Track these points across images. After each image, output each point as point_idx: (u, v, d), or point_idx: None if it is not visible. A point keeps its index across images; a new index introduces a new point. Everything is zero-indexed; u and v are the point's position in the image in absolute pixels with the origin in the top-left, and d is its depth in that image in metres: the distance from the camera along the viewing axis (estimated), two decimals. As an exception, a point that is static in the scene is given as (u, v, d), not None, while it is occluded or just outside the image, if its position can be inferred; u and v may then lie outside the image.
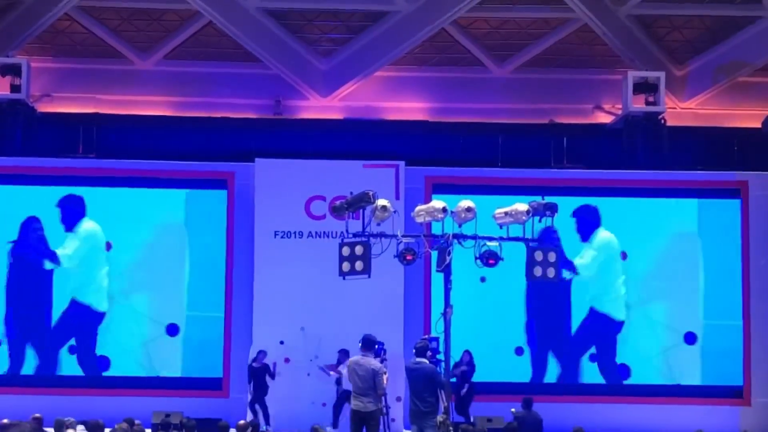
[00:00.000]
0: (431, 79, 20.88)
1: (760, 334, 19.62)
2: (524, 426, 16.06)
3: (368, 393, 13.18)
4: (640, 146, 20.07)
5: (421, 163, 19.75)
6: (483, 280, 18.50)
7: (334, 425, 18.05)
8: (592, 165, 20.22)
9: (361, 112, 20.74)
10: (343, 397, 17.78)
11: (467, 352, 18.55)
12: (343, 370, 16.47)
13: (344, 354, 17.54)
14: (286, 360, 18.79)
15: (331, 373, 18.29)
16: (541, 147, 20.51)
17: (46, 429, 14.21)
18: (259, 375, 18.40)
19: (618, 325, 19.81)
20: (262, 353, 18.50)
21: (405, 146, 20.16)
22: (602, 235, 19.88)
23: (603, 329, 19.80)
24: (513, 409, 16.75)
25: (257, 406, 18.37)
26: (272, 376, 18.36)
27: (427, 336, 14.37)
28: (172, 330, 19.51)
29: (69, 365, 19.47)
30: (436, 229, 13.09)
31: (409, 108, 20.82)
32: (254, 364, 18.49)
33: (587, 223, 19.85)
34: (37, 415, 14.60)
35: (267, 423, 18.16)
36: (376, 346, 13.60)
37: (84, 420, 13.79)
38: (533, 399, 16.75)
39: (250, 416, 18.02)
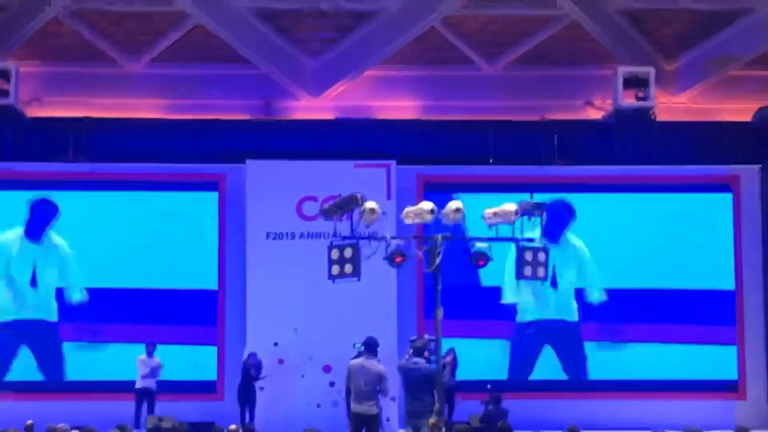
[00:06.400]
0: (421, 77, 20.82)
1: (753, 328, 19.63)
2: (493, 422, 16.08)
3: (372, 396, 13.06)
4: (631, 142, 20.07)
5: (413, 162, 19.72)
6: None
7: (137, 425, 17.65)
8: (583, 161, 20.20)
9: (352, 111, 20.67)
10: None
11: (451, 350, 18.35)
12: None
13: None
14: (280, 361, 18.77)
15: None
16: (532, 144, 20.46)
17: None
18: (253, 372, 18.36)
19: None
20: (252, 355, 18.42)
21: (396, 145, 20.10)
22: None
23: None
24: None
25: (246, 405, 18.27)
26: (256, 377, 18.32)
27: (416, 336, 14.29)
28: None
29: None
30: (428, 230, 12.99)
31: (400, 107, 20.77)
32: (250, 360, 18.44)
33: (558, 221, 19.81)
34: (29, 422, 14.56)
35: (252, 420, 18.04)
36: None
37: (77, 426, 13.74)
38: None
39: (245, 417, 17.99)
